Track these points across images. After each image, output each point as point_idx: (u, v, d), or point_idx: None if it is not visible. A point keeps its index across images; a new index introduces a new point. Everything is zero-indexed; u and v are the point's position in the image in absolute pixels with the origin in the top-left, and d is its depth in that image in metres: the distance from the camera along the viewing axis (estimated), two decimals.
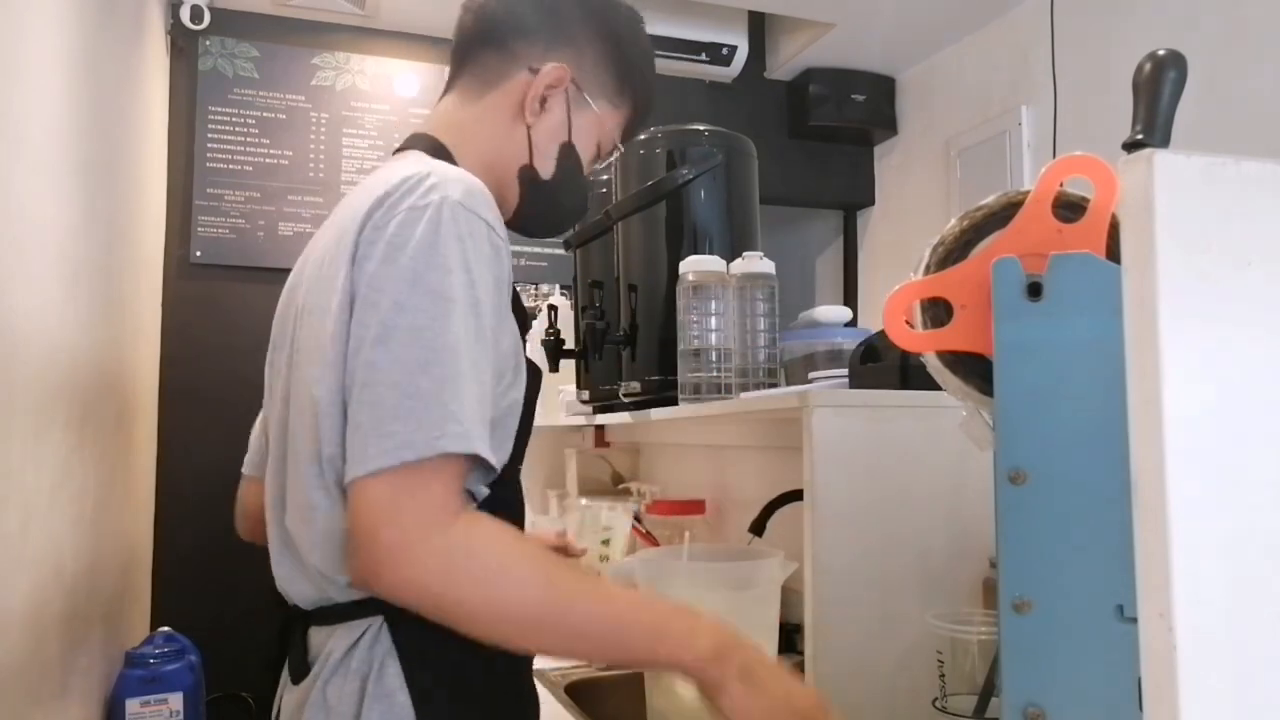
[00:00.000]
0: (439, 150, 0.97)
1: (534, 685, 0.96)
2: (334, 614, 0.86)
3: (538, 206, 1.02)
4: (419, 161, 0.89)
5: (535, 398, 0.95)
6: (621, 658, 0.82)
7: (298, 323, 0.89)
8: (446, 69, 1.06)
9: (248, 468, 1.10)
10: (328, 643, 0.86)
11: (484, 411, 0.80)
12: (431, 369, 0.76)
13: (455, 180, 0.84)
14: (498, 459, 0.82)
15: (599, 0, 1.04)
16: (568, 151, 1.02)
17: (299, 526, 0.86)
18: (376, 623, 0.84)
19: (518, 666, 0.94)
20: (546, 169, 1.01)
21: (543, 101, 1.00)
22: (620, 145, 1.08)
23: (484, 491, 0.86)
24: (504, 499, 0.89)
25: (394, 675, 0.82)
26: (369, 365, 0.77)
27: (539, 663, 1.51)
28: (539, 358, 1.90)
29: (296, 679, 0.88)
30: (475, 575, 0.75)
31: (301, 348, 0.86)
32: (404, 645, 0.83)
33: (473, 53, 1.01)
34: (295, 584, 0.89)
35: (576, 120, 1.02)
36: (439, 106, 1.03)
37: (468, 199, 0.83)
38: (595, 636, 0.79)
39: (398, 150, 1.01)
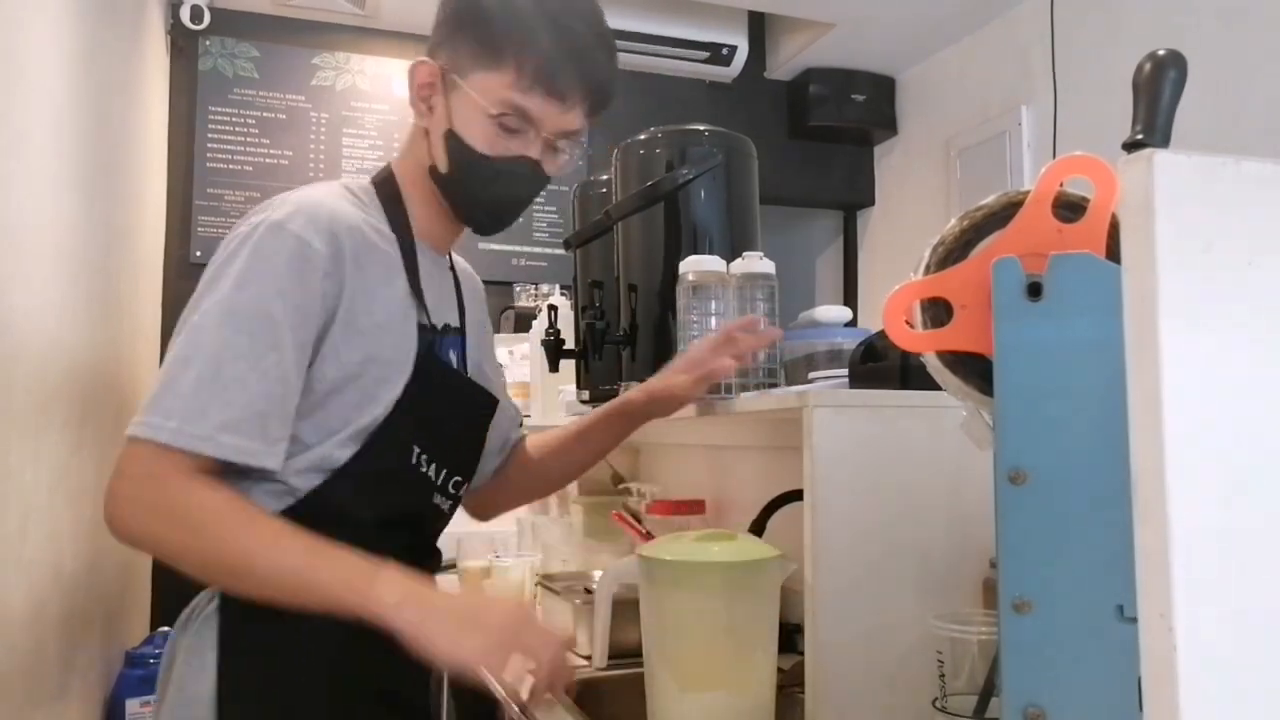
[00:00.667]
0: (385, 174, 1.09)
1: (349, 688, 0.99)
2: None
3: (454, 199, 1.07)
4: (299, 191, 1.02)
5: (429, 396, 1.02)
6: (317, 605, 0.87)
7: None
8: None
9: None
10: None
11: (253, 411, 0.90)
12: (191, 367, 0.90)
13: (292, 203, 0.96)
14: (275, 456, 0.92)
15: None
16: (452, 139, 1.03)
17: None
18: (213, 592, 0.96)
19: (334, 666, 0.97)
20: (442, 163, 1.04)
21: (427, 103, 1.04)
22: (526, 99, 1.00)
23: (310, 481, 0.96)
24: (340, 489, 0.97)
25: (210, 638, 0.94)
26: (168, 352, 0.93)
27: None
28: (538, 357, 1.90)
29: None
30: (179, 526, 0.88)
31: None
32: (226, 610, 0.94)
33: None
34: None
35: (455, 105, 1.02)
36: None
37: (288, 219, 0.94)
38: (287, 587, 0.88)
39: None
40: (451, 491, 1.10)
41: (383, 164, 1.12)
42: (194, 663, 0.94)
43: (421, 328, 1.02)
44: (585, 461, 1.36)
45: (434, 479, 1.06)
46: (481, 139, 1.02)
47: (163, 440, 0.87)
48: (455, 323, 1.13)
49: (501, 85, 1.00)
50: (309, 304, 0.94)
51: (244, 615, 0.93)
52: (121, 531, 0.89)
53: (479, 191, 1.05)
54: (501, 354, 2.41)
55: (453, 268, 1.17)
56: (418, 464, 1.03)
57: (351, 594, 0.86)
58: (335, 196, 1.01)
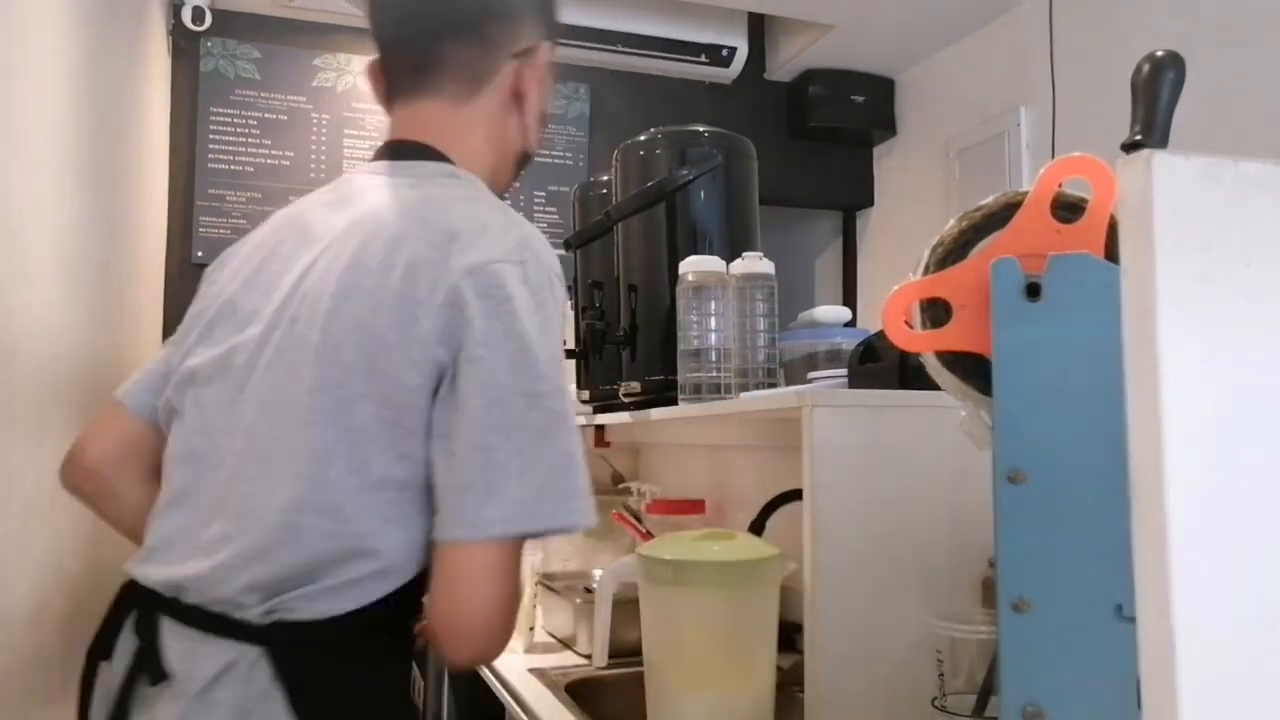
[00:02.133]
0: (442, 159, 0.94)
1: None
2: (216, 623, 0.80)
3: (513, 180, 1.04)
4: (482, 205, 0.90)
5: None
6: None
7: (330, 312, 0.83)
8: None
9: (128, 397, 0.99)
10: (194, 655, 0.80)
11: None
12: (555, 438, 0.79)
13: (535, 235, 0.87)
14: None
15: None
16: (545, 119, 1.01)
17: (295, 516, 0.80)
18: (254, 653, 0.79)
19: (400, 691, 0.90)
20: (535, 144, 1.02)
21: (531, 85, 0.98)
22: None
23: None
24: None
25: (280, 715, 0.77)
26: (488, 429, 0.77)
27: (539, 662, 1.51)
28: None
29: (155, 681, 0.81)
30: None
31: (350, 357, 0.81)
32: (292, 683, 0.78)
33: (443, 47, 0.94)
34: (197, 567, 0.81)
35: (546, 82, 0.99)
36: (421, 108, 0.96)
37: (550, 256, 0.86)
38: None
39: (388, 156, 0.96)
40: None
41: (392, 173, 0.97)
42: None
43: None
44: None
45: None
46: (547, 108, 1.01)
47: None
48: None
49: (548, 50, 0.99)
50: None
51: (307, 671, 0.80)
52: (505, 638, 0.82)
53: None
54: None
55: None
56: None
57: None
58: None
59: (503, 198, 0.98)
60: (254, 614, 0.79)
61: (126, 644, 0.88)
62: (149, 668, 0.82)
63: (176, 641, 0.82)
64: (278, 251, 0.95)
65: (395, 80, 0.97)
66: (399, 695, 0.88)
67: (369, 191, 0.92)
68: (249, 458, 0.83)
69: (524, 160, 1.02)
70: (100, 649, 0.91)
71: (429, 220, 0.85)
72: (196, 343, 0.93)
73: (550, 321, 0.83)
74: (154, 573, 0.86)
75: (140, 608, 0.87)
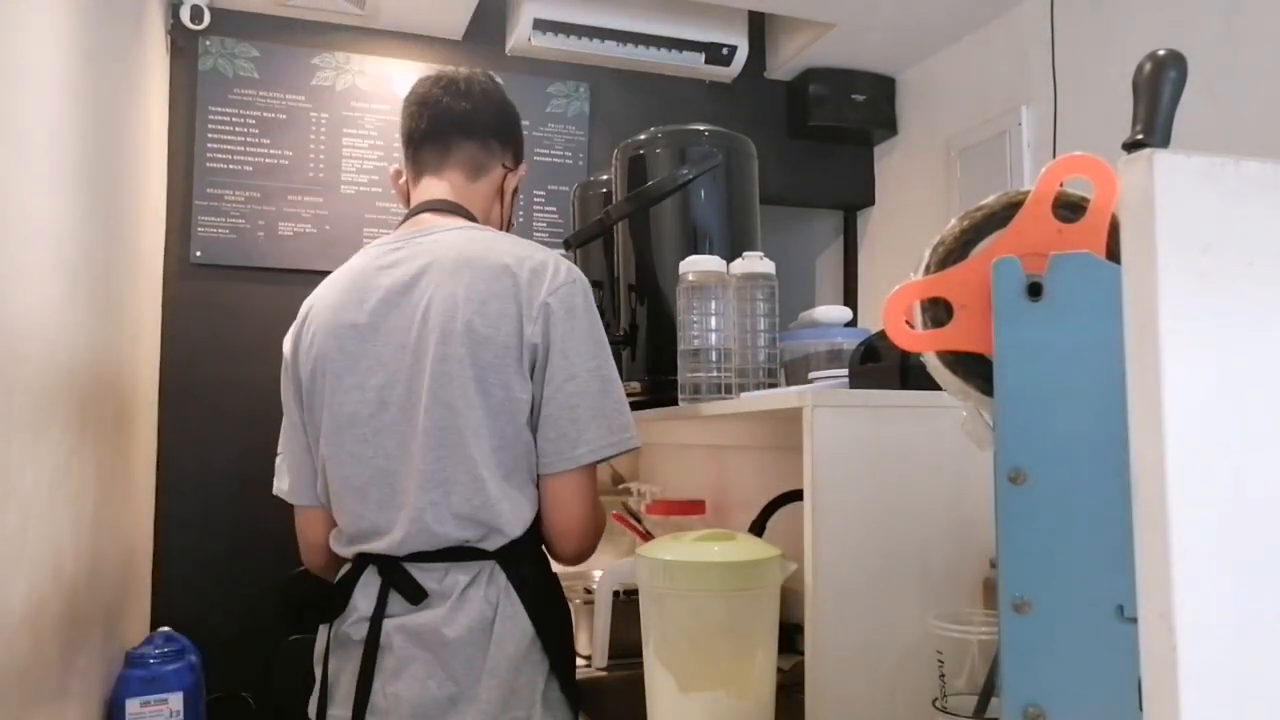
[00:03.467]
0: (472, 219, 1.35)
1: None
2: (459, 554, 1.19)
3: None
4: (520, 241, 1.29)
5: None
6: None
7: (437, 353, 1.19)
8: (446, 69, 1.33)
9: (304, 499, 1.34)
10: (445, 576, 1.19)
11: None
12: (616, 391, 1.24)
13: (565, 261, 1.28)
14: None
15: (515, 110, 1.43)
16: (511, 222, 1.46)
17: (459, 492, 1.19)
18: (491, 565, 1.19)
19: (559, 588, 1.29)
20: (511, 219, 1.45)
21: (512, 191, 1.43)
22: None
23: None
24: None
25: (516, 602, 1.18)
26: (572, 394, 1.20)
27: None
28: None
29: (415, 601, 1.19)
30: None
31: (456, 373, 1.18)
32: (516, 580, 1.19)
33: (457, 140, 1.36)
34: (421, 531, 1.19)
35: (518, 194, 1.46)
36: (449, 181, 1.36)
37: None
38: None
39: (430, 211, 1.34)
40: None
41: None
42: (511, 620, 1.18)
43: None
44: None
45: None
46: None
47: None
48: None
49: (522, 173, 1.45)
50: None
51: (534, 582, 1.22)
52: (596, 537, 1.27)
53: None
54: None
55: None
56: None
57: None
58: None
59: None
60: (483, 544, 1.20)
61: (365, 592, 1.22)
62: (407, 594, 1.19)
63: (422, 573, 1.19)
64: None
65: (423, 163, 1.37)
66: (558, 582, 1.28)
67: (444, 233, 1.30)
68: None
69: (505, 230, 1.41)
70: (329, 614, 1.26)
71: (512, 251, 1.25)
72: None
73: (595, 316, 1.24)
74: (376, 545, 1.22)
75: (375, 565, 1.23)
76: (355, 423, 1.23)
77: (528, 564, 1.21)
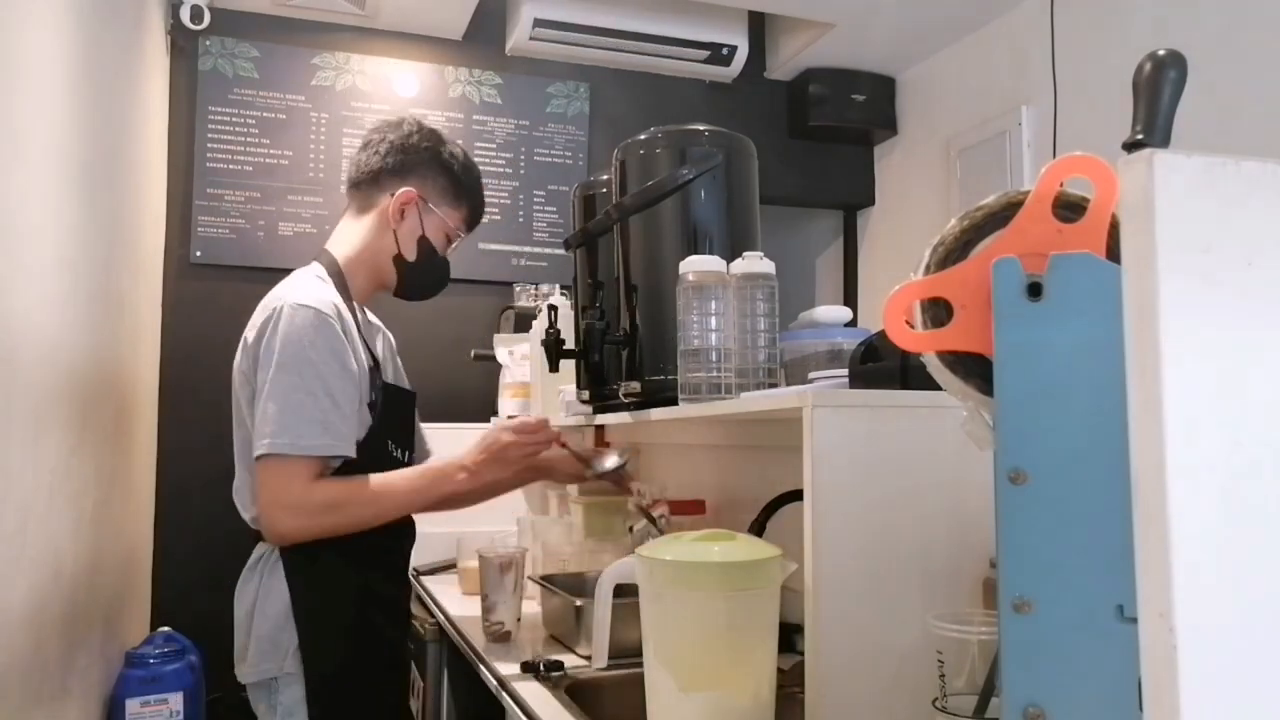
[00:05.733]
0: (333, 263, 1.56)
1: (386, 591, 1.55)
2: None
3: (409, 279, 1.62)
4: (285, 284, 1.50)
5: (385, 404, 1.55)
6: (444, 502, 1.58)
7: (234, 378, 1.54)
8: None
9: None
10: (254, 552, 1.50)
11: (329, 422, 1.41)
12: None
13: (299, 292, 1.45)
14: (346, 447, 1.42)
15: (432, 147, 1.62)
16: (423, 242, 1.61)
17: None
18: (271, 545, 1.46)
19: (367, 578, 1.49)
20: (410, 254, 1.60)
21: (401, 212, 1.58)
22: (465, 233, 1.69)
23: (345, 458, 1.44)
24: (363, 463, 1.45)
25: (280, 576, 1.43)
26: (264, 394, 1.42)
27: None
28: (538, 357, 1.90)
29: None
30: (327, 513, 1.41)
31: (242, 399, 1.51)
32: (287, 559, 1.43)
33: (357, 187, 1.61)
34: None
35: (427, 221, 1.61)
36: (340, 225, 1.63)
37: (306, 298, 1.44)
38: (420, 500, 1.52)
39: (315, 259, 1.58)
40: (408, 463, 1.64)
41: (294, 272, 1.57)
42: (271, 592, 1.43)
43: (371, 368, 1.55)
44: None
45: (401, 459, 1.61)
46: (441, 246, 1.63)
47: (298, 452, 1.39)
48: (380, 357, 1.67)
49: (457, 218, 1.65)
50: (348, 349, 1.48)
51: (301, 558, 1.43)
52: (287, 538, 1.45)
53: (429, 274, 1.63)
54: (502, 354, 2.41)
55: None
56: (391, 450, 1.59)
57: (455, 484, 1.51)
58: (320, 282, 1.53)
59: (404, 291, 1.65)
60: None
61: None
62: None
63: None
64: None
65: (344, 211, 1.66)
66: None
67: None
68: None
69: (402, 263, 1.60)
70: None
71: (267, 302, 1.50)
72: None
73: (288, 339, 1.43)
74: None
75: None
76: None
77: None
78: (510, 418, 1.87)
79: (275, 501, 1.38)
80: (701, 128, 1.58)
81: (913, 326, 0.70)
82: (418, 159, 1.61)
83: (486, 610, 1.69)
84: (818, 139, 3.18)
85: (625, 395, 1.56)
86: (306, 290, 1.46)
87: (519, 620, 1.71)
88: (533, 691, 1.37)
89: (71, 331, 1.58)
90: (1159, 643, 0.39)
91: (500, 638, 1.67)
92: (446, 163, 1.63)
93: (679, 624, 1.05)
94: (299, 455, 1.37)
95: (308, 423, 1.38)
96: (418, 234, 1.59)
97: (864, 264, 3.32)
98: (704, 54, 2.93)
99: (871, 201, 3.28)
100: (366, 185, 1.60)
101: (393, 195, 1.58)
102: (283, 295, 1.45)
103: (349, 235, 1.60)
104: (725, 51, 2.93)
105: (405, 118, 1.66)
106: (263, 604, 1.44)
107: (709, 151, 1.54)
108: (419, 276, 1.62)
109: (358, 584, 1.47)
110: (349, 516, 1.42)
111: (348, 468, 1.44)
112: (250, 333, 1.45)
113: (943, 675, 0.89)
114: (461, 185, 1.65)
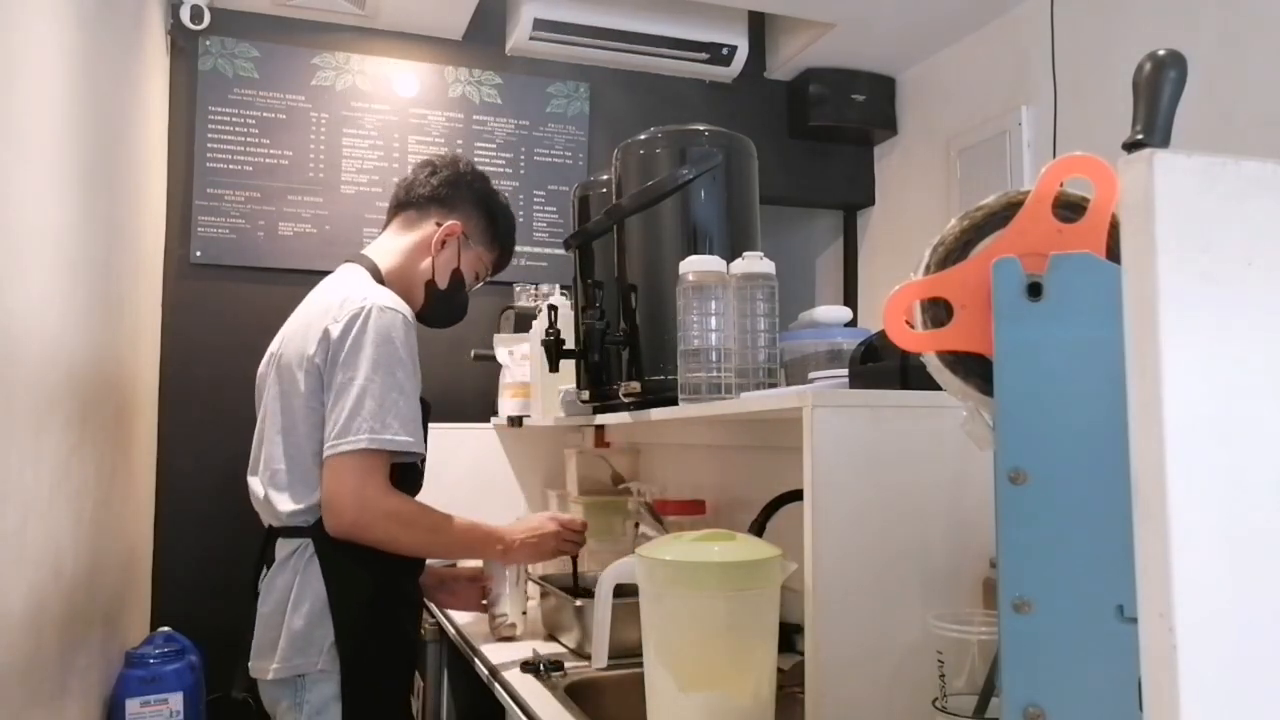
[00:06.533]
0: (375, 271, 1.61)
1: (412, 593, 1.58)
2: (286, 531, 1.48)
3: (435, 305, 1.68)
4: (352, 283, 1.54)
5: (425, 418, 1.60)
6: (475, 556, 1.72)
7: (280, 369, 1.52)
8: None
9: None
10: (280, 548, 1.48)
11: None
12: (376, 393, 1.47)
13: (378, 294, 1.50)
14: (423, 448, 1.51)
15: (481, 188, 1.72)
16: (456, 274, 1.69)
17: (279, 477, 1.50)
18: (305, 541, 1.46)
19: (397, 579, 1.51)
20: (443, 282, 1.68)
21: (443, 242, 1.67)
22: (491, 275, 1.79)
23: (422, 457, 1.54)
24: (403, 469, 1.51)
25: (316, 573, 1.44)
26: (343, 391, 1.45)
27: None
28: (538, 357, 1.91)
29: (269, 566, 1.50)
30: (398, 526, 1.45)
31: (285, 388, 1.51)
32: (323, 556, 1.44)
33: (405, 208, 1.69)
34: (267, 512, 1.51)
35: (464, 255, 1.70)
36: (381, 236, 1.70)
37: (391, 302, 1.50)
38: (459, 551, 1.69)
39: (350, 260, 1.65)
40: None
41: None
42: (307, 587, 1.44)
43: None
44: None
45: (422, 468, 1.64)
46: (469, 282, 1.73)
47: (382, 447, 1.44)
48: None
49: (489, 259, 1.76)
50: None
51: (338, 554, 1.44)
52: (366, 539, 1.45)
53: (453, 303, 1.71)
54: (502, 354, 2.41)
55: None
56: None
57: (487, 553, 1.65)
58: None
59: (426, 316, 1.70)
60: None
61: None
62: (267, 562, 1.54)
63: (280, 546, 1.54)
64: None
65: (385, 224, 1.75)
66: None
67: None
68: None
69: (433, 289, 1.67)
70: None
71: (322, 296, 1.56)
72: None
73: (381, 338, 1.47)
74: None
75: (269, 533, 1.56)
76: None
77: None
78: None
79: (354, 491, 1.40)
80: (701, 128, 1.58)
81: (913, 326, 0.70)
82: (467, 196, 1.70)
83: (491, 604, 1.69)
84: (818, 139, 3.18)
85: (625, 395, 1.56)
86: (386, 294, 1.52)
87: (524, 614, 1.71)
88: (533, 691, 1.38)
89: (71, 331, 1.58)
90: (1159, 643, 0.39)
91: (507, 634, 1.67)
92: (491, 207, 1.72)
93: (679, 624, 1.05)
94: (386, 451, 1.41)
95: (402, 420, 1.43)
96: (453, 265, 1.67)
97: (864, 264, 3.32)
98: (704, 54, 2.93)
99: (871, 201, 3.28)
100: (415, 208, 1.68)
101: (439, 224, 1.66)
102: (365, 295, 1.48)
103: (391, 248, 1.66)
104: (725, 51, 2.93)
105: (460, 155, 1.79)
106: (297, 599, 1.44)
107: (709, 151, 1.54)
108: (444, 305, 1.69)
109: (388, 583, 1.49)
110: (405, 536, 1.45)
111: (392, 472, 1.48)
112: (332, 326, 1.45)
113: (943, 675, 0.89)
114: (499, 230, 1.73)
